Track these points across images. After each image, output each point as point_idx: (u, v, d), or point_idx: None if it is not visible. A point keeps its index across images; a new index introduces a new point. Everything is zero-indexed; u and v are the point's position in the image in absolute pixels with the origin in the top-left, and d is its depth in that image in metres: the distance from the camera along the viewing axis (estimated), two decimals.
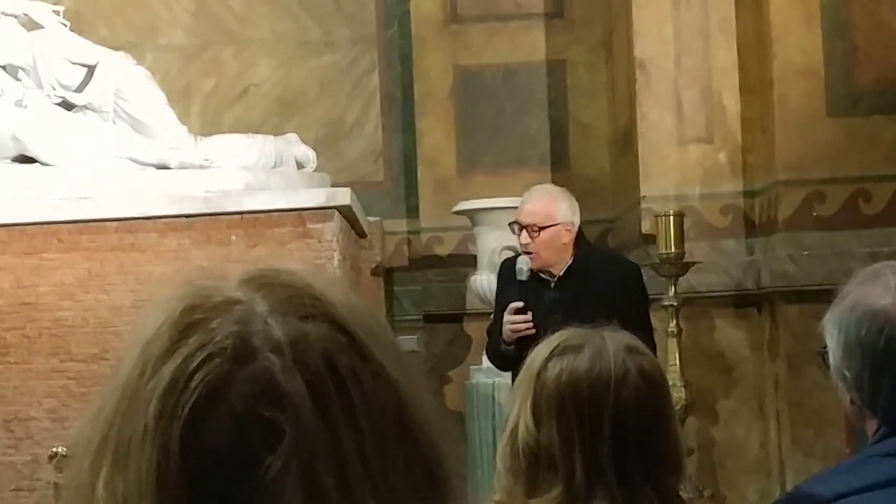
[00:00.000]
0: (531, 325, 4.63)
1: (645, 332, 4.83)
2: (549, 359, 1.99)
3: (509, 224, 4.99)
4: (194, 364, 0.86)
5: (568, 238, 4.86)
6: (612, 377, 1.94)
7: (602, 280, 4.78)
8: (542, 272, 4.87)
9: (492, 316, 5.24)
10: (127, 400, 0.88)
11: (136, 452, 0.85)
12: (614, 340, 2.00)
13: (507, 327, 4.73)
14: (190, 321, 0.89)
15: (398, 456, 0.87)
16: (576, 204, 5.02)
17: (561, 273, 4.85)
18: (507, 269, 5.08)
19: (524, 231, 4.84)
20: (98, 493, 0.87)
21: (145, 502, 0.85)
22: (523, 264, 4.81)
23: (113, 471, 0.86)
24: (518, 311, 4.76)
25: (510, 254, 6.74)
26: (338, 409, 0.85)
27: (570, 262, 4.86)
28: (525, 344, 3.97)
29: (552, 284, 4.85)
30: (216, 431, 0.84)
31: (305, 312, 0.89)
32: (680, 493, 2.05)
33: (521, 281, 4.80)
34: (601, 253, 5.19)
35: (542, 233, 4.82)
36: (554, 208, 4.88)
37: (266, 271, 0.93)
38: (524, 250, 4.86)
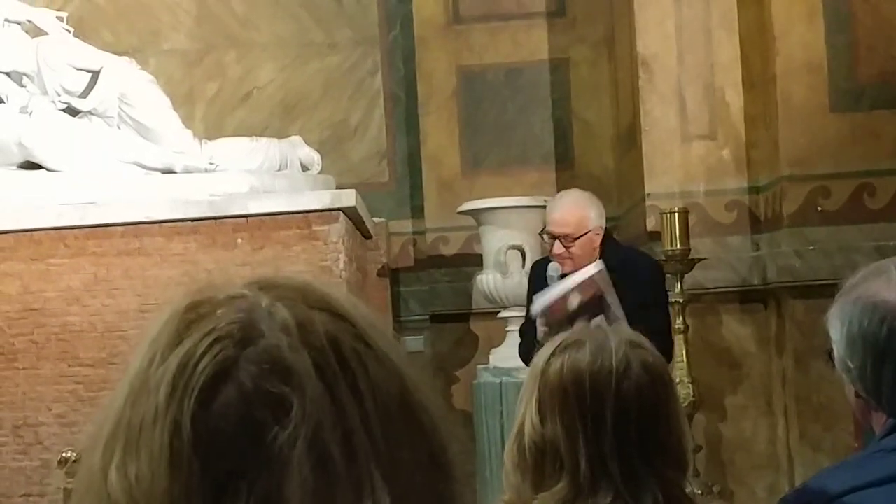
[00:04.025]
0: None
1: (660, 326, 4.88)
2: (552, 355, 2.01)
3: (539, 233, 4.97)
4: (202, 348, 0.88)
5: (598, 241, 4.93)
6: (614, 370, 1.96)
7: (625, 278, 4.81)
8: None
9: (524, 317, 5.27)
10: (136, 389, 0.89)
11: (148, 434, 0.87)
12: (616, 335, 2.02)
13: (539, 329, 4.74)
14: (195, 315, 0.91)
15: (402, 434, 0.89)
16: (602, 206, 5.06)
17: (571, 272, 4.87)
18: (537, 271, 5.11)
19: (557, 241, 4.87)
20: (111, 478, 0.88)
21: (158, 481, 0.86)
22: (553, 271, 4.84)
23: (125, 455, 0.88)
24: None
25: (516, 253, 6.79)
26: (343, 386, 0.87)
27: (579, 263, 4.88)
28: None
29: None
30: (226, 409, 0.86)
31: (309, 304, 0.91)
32: (687, 488, 2.06)
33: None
34: (624, 251, 5.21)
35: (575, 242, 4.88)
36: (585, 216, 4.93)
37: (269, 276, 0.95)
38: (556, 259, 4.86)
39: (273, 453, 0.84)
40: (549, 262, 5.15)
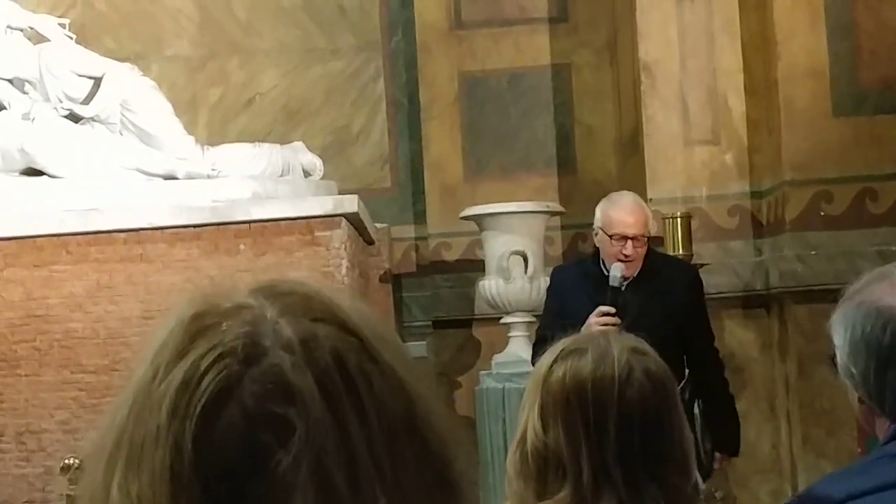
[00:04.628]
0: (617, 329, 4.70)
1: (709, 335, 5.09)
2: (554, 362, 2.00)
3: (609, 236, 4.94)
4: (205, 364, 0.87)
5: None
6: (616, 377, 1.95)
7: (669, 283, 4.93)
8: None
9: (543, 320, 5.30)
10: (139, 403, 0.89)
11: (150, 453, 0.86)
12: (619, 342, 2.01)
13: (595, 328, 4.75)
14: (200, 326, 0.90)
15: (408, 454, 0.88)
16: None
17: (634, 275, 4.93)
18: (562, 277, 5.16)
19: (629, 243, 4.87)
20: (113, 495, 0.87)
21: (160, 501, 0.85)
22: (618, 271, 4.84)
23: (127, 472, 0.87)
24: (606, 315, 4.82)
25: (519, 259, 6.79)
26: (347, 406, 0.86)
27: (641, 265, 4.95)
28: None
29: (623, 287, 4.91)
30: (228, 429, 0.85)
31: (314, 315, 0.90)
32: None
33: (613, 287, 4.83)
34: (661, 256, 5.30)
35: (645, 244, 4.94)
36: (648, 217, 5.01)
37: (275, 280, 0.94)
38: (627, 259, 4.88)
39: (276, 478, 0.83)
40: (567, 269, 5.20)
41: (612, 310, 4.74)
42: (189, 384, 0.86)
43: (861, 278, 2.02)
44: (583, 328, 4.71)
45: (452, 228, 7.47)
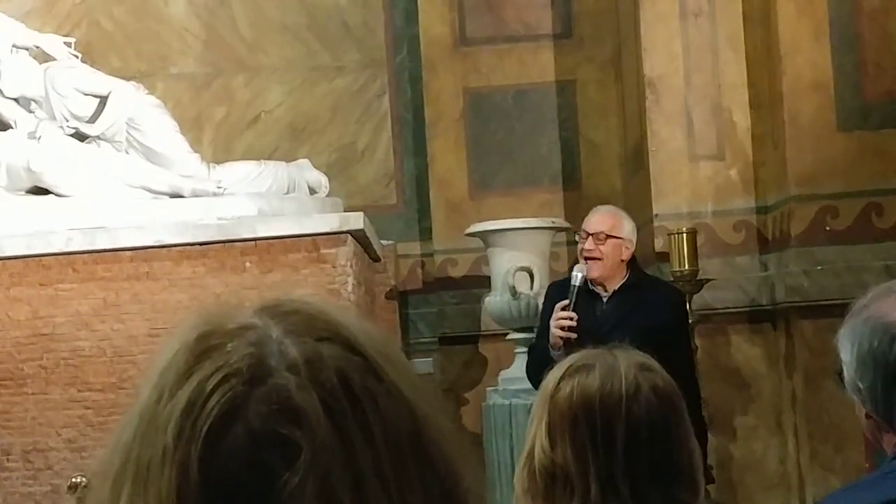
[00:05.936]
0: (575, 324, 4.77)
1: (686, 356, 5.11)
2: (561, 379, 2.00)
3: (575, 233, 5.06)
4: (211, 385, 0.87)
5: (626, 255, 5.04)
6: (624, 394, 1.95)
7: (650, 302, 4.96)
8: (594, 286, 4.97)
9: (535, 334, 5.36)
10: (145, 425, 0.89)
11: (156, 474, 0.86)
12: (626, 358, 2.01)
13: (552, 325, 4.84)
14: (205, 346, 0.90)
15: (414, 473, 0.87)
16: (635, 227, 5.16)
17: (616, 288, 4.98)
18: (554, 291, 5.21)
19: (590, 238, 4.98)
20: None
21: None
22: (578, 271, 4.95)
23: (133, 494, 0.87)
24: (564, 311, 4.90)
25: (524, 275, 6.79)
26: (353, 426, 0.86)
27: (625, 279, 5.02)
28: None
29: (604, 299, 4.94)
30: (234, 450, 0.85)
31: (320, 335, 0.90)
32: None
33: (574, 286, 4.90)
34: (650, 277, 5.40)
35: (607, 241, 5.00)
36: (620, 223, 5.08)
37: (280, 300, 0.94)
38: (587, 256, 4.98)
39: (282, 499, 0.83)
40: (561, 283, 5.23)
41: (566, 302, 4.84)
42: (194, 406, 0.86)
43: (868, 293, 2.02)
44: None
45: (458, 245, 7.47)
